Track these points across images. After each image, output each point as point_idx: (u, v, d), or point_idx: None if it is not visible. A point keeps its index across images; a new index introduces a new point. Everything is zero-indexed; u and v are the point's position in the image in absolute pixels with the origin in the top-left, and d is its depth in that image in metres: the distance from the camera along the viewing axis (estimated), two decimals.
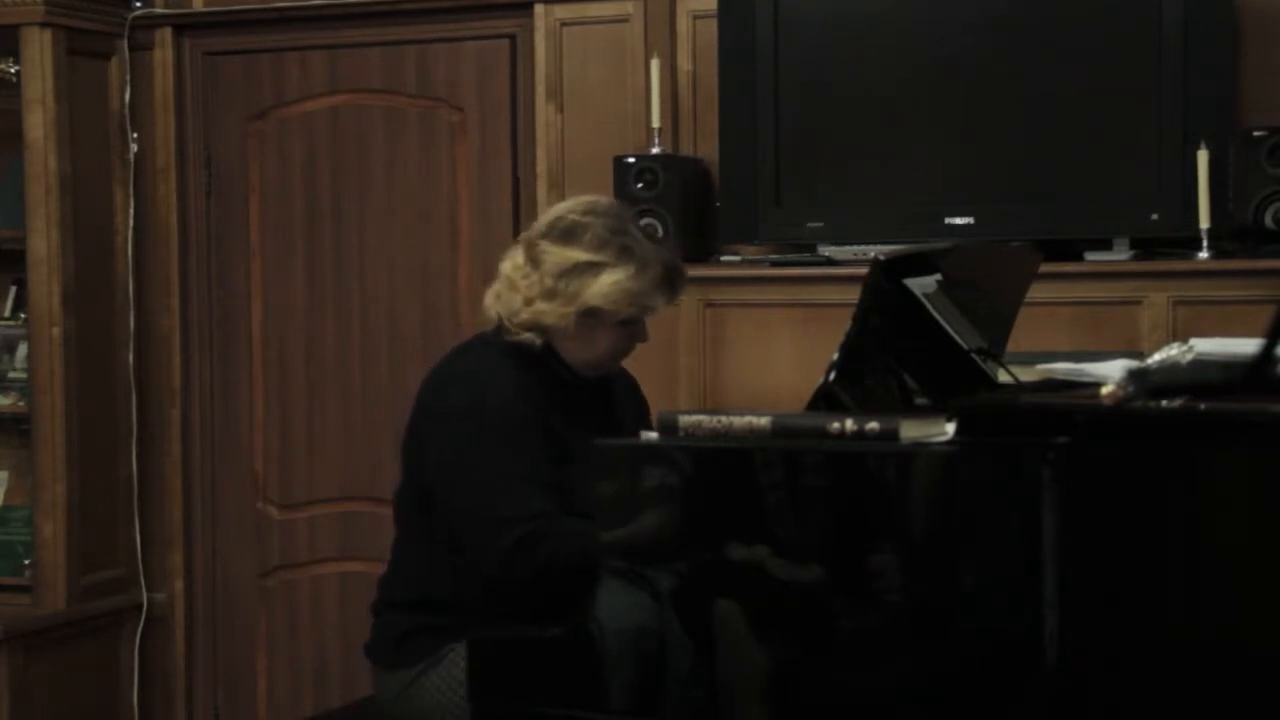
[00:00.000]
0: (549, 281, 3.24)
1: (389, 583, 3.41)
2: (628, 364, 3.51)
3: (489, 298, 3.35)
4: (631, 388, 3.55)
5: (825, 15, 4.48)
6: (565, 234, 3.27)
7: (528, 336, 3.27)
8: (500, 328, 3.31)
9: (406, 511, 3.37)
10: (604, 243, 3.24)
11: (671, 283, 3.30)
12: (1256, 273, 4.10)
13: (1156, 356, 2.80)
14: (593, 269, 3.23)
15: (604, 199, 3.43)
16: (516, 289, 3.28)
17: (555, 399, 3.27)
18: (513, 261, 3.32)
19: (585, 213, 3.29)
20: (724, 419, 2.71)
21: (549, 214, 3.37)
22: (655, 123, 4.64)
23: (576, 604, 2.85)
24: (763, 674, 2.65)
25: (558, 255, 3.25)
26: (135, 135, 5.27)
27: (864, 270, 2.88)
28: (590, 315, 3.25)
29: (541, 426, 3.21)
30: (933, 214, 4.35)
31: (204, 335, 5.34)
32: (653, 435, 2.84)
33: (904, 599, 2.55)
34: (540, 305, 3.25)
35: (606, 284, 3.23)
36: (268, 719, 5.31)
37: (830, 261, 4.46)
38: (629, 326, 3.31)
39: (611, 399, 3.44)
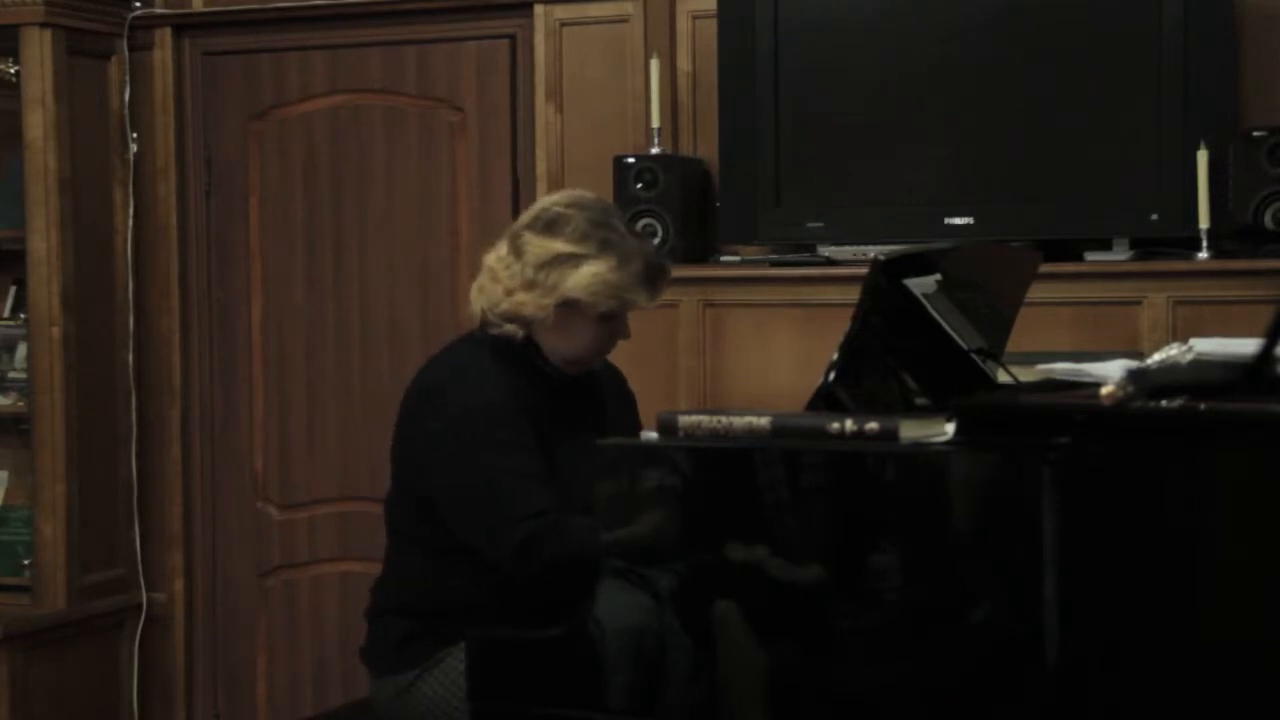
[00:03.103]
0: (530, 272, 3.23)
1: (383, 589, 3.40)
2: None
3: (473, 290, 3.33)
4: (616, 380, 3.52)
5: (825, 15, 4.48)
6: (548, 225, 3.25)
7: (509, 328, 3.26)
8: (483, 323, 3.30)
9: (400, 518, 3.35)
10: (585, 235, 3.23)
11: (653, 279, 3.27)
12: (1256, 273, 4.10)
13: (1156, 356, 2.80)
14: (573, 260, 3.21)
15: (590, 193, 3.42)
16: (498, 280, 3.27)
17: (542, 399, 3.26)
18: (497, 253, 3.31)
19: (569, 205, 3.29)
20: (724, 419, 2.71)
21: (535, 205, 3.36)
22: (655, 123, 4.64)
23: (576, 604, 2.85)
24: (762, 674, 2.65)
25: (539, 246, 3.23)
26: (135, 135, 5.27)
27: (864, 270, 2.88)
28: (569, 307, 3.23)
29: (531, 424, 3.20)
30: (933, 214, 4.35)
31: (204, 335, 5.34)
32: (652, 435, 2.84)
33: (903, 599, 2.55)
34: (520, 296, 3.23)
35: (586, 276, 3.21)
36: (268, 719, 5.31)
37: (830, 261, 4.46)
38: (609, 322, 3.28)
39: (601, 399, 3.41)
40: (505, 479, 3.14)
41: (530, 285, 3.23)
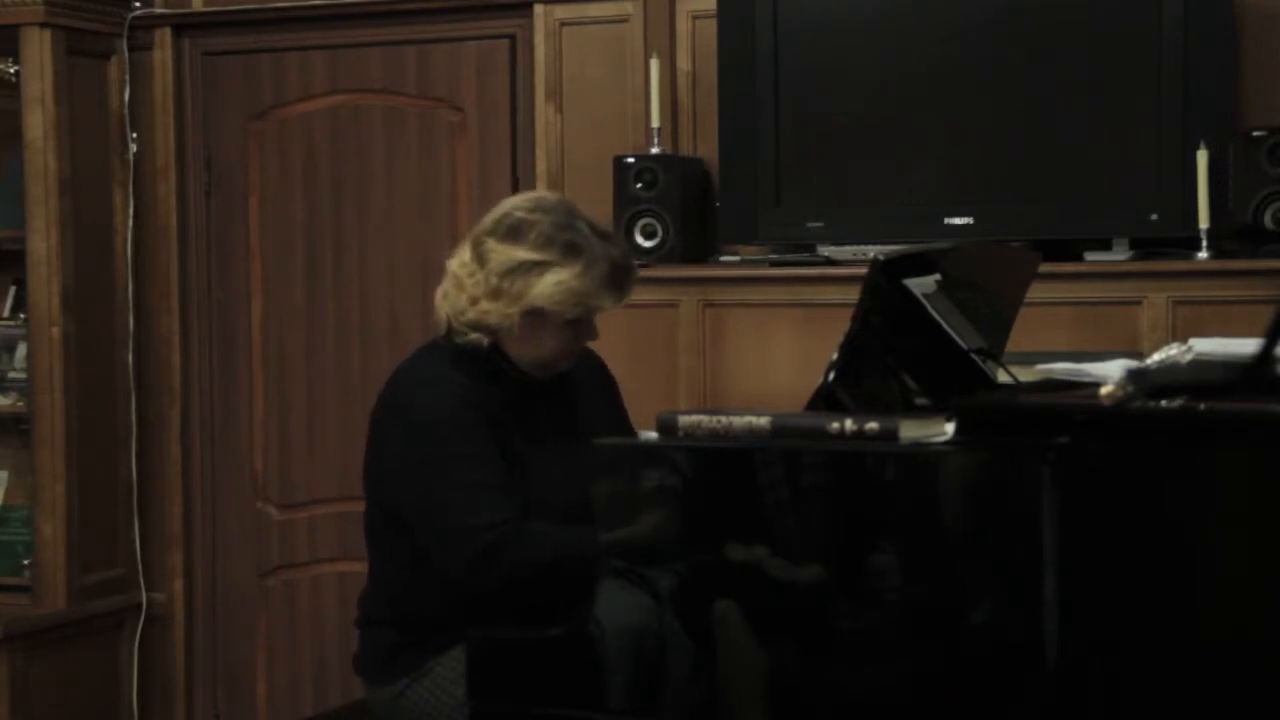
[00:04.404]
0: (494, 280, 3.16)
1: (368, 600, 3.39)
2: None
3: (438, 296, 3.26)
4: (594, 368, 3.45)
5: (825, 15, 4.48)
6: (510, 232, 3.19)
7: (475, 337, 3.20)
8: (449, 330, 3.24)
9: (375, 531, 3.32)
10: (549, 241, 3.16)
11: (619, 281, 3.21)
12: (1256, 273, 4.10)
13: (1156, 356, 2.80)
14: (537, 268, 3.15)
15: (553, 195, 3.36)
16: (463, 287, 3.21)
17: (509, 405, 3.20)
18: (460, 259, 3.24)
19: (532, 209, 3.21)
20: (724, 419, 2.71)
21: (496, 210, 3.27)
22: (655, 123, 4.64)
23: (558, 607, 2.85)
24: (762, 674, 2.65)
25: (502, 254, 3.17)
26: (135, 135, 5.27)
27: (864, 270, 2.88)
28: (535, 315, 3.17)
29: (493, 432, 3.15)
30: (933, 214, 4.35)
31: (204, 335, 5.34)
32: (652, 435, 2.84)
33: (903, 599, 2.55)
34: (485, 305, 3.17)
35: (550, 284, 3.14)
36: (268, 719, 5.31)
37: (830, 261, 4.46)
38: (576, 326, 3.22)
39: (573, 397, 3.35)
40: (463, 491, 3.10)
41: (495, 294, 3.17)
